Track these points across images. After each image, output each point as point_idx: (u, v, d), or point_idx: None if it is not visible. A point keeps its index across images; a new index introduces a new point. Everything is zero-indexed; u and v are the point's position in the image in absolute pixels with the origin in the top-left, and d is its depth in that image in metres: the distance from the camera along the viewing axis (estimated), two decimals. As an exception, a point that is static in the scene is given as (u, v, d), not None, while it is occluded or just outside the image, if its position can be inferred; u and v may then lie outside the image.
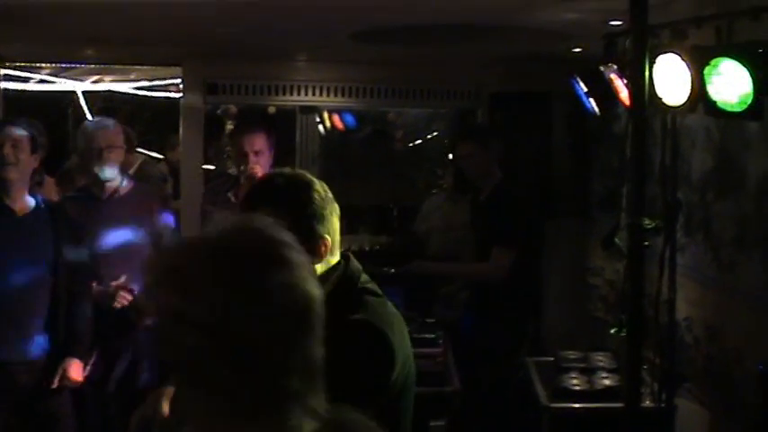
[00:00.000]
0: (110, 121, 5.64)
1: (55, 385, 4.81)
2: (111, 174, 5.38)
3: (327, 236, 2.77)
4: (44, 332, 4.86)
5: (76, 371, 4.88)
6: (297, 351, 1.61)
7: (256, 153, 5.38)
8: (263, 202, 2.75)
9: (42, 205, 4.99)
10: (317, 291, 1.65)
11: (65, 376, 4.83)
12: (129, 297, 5.23)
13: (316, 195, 2.77)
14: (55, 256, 4.89)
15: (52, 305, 4.87)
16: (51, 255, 4.88)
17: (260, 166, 5.36)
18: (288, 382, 1.59)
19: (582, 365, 5.58)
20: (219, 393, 1.58)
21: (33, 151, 4.90)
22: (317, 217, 2.76)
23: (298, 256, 1.65)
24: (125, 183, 5.50)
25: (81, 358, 4.93)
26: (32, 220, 4.91)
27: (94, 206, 5.37)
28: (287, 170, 2.92)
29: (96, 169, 5.35)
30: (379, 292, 2.86)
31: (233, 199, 5.47)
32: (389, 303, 2.85)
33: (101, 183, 5.39)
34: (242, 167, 5.44)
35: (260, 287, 1.58)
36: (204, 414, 1.62)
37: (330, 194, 2.84)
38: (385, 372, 2.65)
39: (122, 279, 5.22)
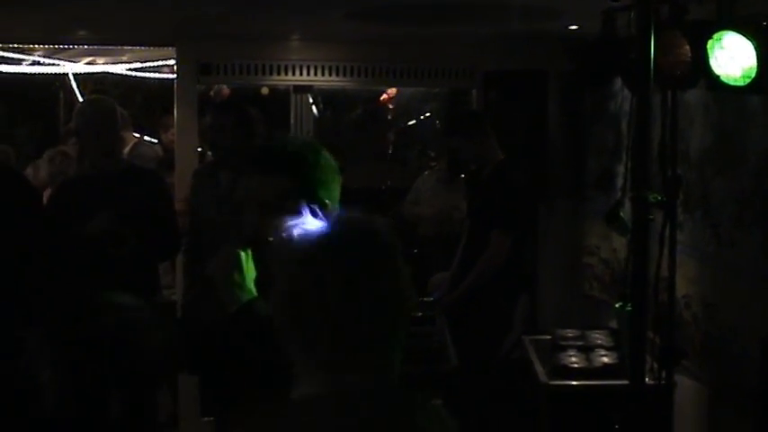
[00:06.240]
0: (106, 99, 5.60)
1: None
2: (106, 150, 5.33)
3: (329, 201, 2.85)
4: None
5: None
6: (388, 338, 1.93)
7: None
8: (272, 165, 2.85)
9: None
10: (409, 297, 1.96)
11: None
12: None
13: (322, 161, 2.87)
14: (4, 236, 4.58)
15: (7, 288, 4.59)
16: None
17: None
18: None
19: (580, 343, 5.58)
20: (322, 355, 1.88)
21: None
22: (321, 182, 2.85)
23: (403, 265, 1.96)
24: (121, 161, 5.46)
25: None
26: None
27: (90, 185, 5.32)
28: (297, 137, 3.03)
29: (94, 146, 5.31)
30: None
31: None
32: None
33: (97, 161, 5.35)
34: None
35: (371, 287, 1.88)
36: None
37: (335, 164, 2.93)
38: None
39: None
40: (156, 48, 8.21)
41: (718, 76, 3.71)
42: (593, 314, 6.95)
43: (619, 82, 5.38)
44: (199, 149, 7.63)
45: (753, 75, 3.49)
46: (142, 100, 11.31)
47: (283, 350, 1.92)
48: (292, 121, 7.84)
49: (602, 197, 6.82)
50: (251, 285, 2.77)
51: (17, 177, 5.06)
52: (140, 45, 8.22)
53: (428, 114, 11.04)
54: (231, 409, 3.00)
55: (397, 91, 10.73)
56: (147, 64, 9.40)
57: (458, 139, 6.46)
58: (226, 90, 9.25)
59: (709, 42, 3.70)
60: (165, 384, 6.14)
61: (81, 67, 9.65)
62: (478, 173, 6.44)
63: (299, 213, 2.68)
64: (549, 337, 5.79)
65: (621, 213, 4.48)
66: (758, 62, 3.45)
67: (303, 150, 2.89)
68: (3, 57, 8.03)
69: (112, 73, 9.86)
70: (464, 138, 6.37)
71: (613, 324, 5.98)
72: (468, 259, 6.31)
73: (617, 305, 4.59)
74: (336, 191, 2.91)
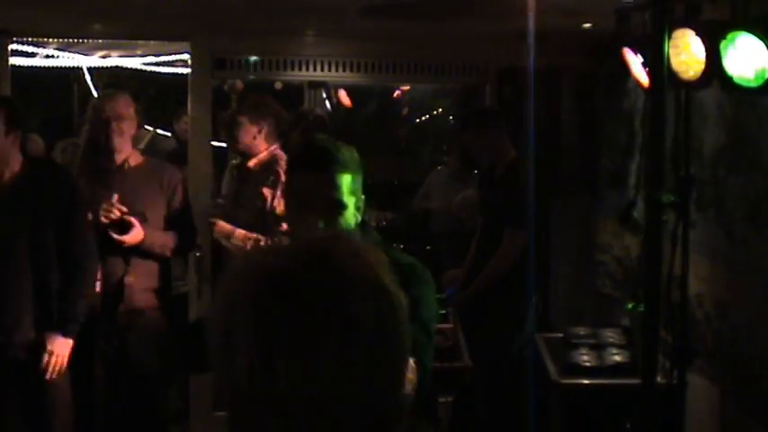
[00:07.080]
0: (120, 93, 5.59)
1: (44, 365, 4.66)
2: (119, 144, 5.30)
3: (363, 197, 3.07)
4: (32, 311, 4.69)
5: (61, 348, 4.72)
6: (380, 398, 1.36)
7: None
8: (330, 162, 2.94)
9: (27, 170, 4.75)
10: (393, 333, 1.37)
11: (51, 355, 4.67)
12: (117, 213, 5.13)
13: (358, 158, 3.05)
14: (36, 228, 4.68)
15: (38, 281, 4.68)
16: (31, 228, 4.67)
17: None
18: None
19: (592, 341, 5.57)
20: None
21: (8, 132, 4.64)
22: (362, 179, 3.06)
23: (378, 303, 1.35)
24: (135, 156, 5.44)
25: (67, 335, 4.75)
26: (7, 194, 4.70)
27: (103, 178, 5.31)
28: (324, 136, 3.12)
29: (104, 139, 5.29)
30: None
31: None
32: None
33: (109, 154, 5.33)
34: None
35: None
36: None
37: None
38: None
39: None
40: (171, 42, 8.21)
41: (731, 77, 3.70)
42: (606, 312, 6.94)
43: (632, 80, 5.35)
44: (224, 144, 7.62)
45: (766, 76, 3.48)
46: (156, 93, 11.33)
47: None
48: (306, 116, 7.82)
49: (615, 195, 6.81)
50: None
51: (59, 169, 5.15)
52: (155, 39, 8.23)
53: (441, 110, 11.04)
54: None
55: (411, 87, 10.73)
56: (162, 58, 9.41)
57: (471, 136, 6.47)
58: (240, 84, 9.25)
59: (723, 42, 3.69)
60: (175, 380, 6.16)
61: (95, 60, 9.67)
62: (492, 170, 6.44)
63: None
64: (560, 334, 5.79)
65: (635, 214, 4.48)
66: (772, 63, 3.45)
67: (350, 150, 3.03)
68: (17, 50, 8.04)
69: (126, 67, 9.88)
70: (477, 134, 6.37)
71: (626, 322, 5.97)
72: (482, 256, 6.32)
73: (629, 305, 4.59)
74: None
